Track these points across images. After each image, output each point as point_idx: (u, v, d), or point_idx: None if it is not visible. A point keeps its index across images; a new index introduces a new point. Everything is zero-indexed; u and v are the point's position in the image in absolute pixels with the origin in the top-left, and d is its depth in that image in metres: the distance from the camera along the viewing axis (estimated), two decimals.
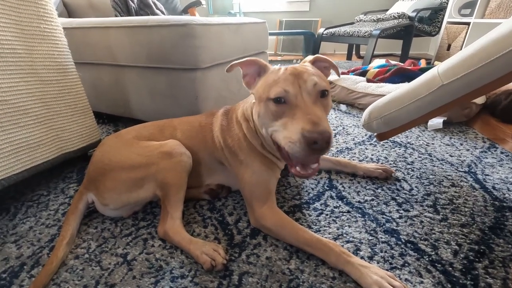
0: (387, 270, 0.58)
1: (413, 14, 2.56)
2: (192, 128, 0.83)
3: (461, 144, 1.12)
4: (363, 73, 1.79)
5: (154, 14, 1.79)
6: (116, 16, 1.64)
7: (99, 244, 0.68)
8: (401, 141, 1.17)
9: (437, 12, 2.77)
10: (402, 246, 0.64)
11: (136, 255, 0.64)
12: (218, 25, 1.12)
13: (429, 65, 1.79)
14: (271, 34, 3.41)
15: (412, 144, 1.14)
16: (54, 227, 0.74)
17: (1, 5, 0.71)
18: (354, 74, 1.81)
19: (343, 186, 0.87)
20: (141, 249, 0.66)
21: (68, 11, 1.84)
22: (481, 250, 0.62)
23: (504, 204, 0.77)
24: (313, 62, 0.68)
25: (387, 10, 3.15)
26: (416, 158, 1.03)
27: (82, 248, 0.67)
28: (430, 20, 2.79)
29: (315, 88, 0.55)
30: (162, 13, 1.89)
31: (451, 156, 1.04)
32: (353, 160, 1.02)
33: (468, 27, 2.38)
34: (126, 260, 0.63)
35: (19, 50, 0.77)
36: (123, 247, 0.67)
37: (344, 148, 1.12)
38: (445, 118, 1.26)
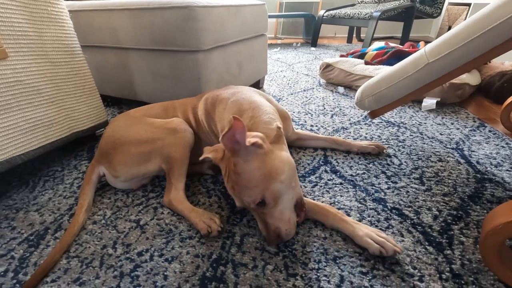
0: None
1: None
2: (187, 109, 0.88)
3: (452, 124, 1.18)
4: (361, 56, 1.82)
5: None
6: None
7: (114, 212, 0.75)
8: (395, 121, 1.22)
9: None
10: (388, 212, 0.71)
11: (148, 220, 0.71)
12: (219, 7, 1.15)
13: None
14: (270, 16, 3.37)
15: (405, 123, 1.19)
16: (71, 198, 0.81)
17: None
18: (352, 57, 1.84)
19: (337, 162, 0.93)
20: (152, 216, 0.73)
21: None
22: (459, 215, 0.69)
23: (485, 176, 0.83)
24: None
25: None
26: (407, 137, 1.08)
27: (98, 216, 0.74)
28: (432, 1, 2.76)
29: (250, 206, 0.60)
30: None
31: (441, 134, 1.09)
32: (348, 138, 1.08)
33: (469, 8, 2.37)
34: (139, 224, 0.70)
35: (30, 32, 0.81)
36: (135, 214, 0.74)
37: (340, 128, 1.18)
38: (439, 99, 1.31)
